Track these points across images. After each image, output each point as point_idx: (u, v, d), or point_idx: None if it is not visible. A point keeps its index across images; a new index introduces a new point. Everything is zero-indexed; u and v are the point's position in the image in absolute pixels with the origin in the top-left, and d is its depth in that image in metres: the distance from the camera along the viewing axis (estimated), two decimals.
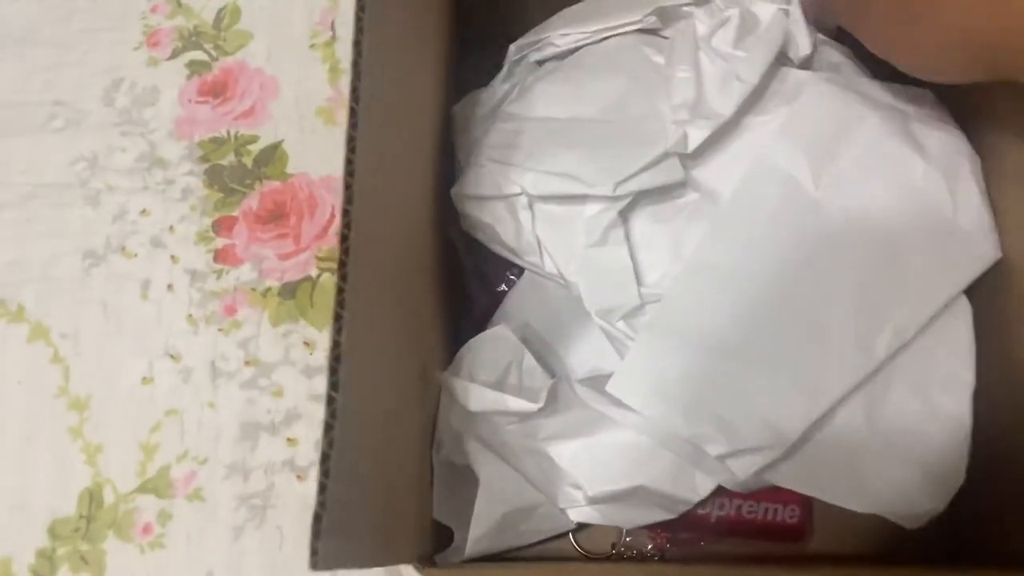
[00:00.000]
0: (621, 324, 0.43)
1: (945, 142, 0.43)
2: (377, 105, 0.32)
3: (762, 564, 0.45)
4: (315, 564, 0.26)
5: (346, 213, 0.29)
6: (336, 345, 0.28)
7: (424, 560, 0.38)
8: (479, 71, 0.52)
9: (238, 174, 0.56)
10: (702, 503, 0.47)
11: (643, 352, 0.41)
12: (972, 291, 0.42)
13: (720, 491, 0.47)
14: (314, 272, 0.54)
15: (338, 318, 0.29)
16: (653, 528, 0.47)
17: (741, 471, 0.40)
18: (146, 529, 0.50)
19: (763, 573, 0.40)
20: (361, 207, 0.30)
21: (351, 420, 0.29)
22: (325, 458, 0.27)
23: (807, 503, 0.47)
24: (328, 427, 0.28)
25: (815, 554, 0.47)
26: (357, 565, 0.29)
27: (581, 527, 0.47)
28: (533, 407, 0.41)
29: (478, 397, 0.42)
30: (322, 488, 0.27)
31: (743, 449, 0.40)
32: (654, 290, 0.43)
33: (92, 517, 0.50)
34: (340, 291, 0.29)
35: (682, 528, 0.47)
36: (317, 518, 0.26)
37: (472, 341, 0.45)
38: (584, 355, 0.47)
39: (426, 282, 0.43)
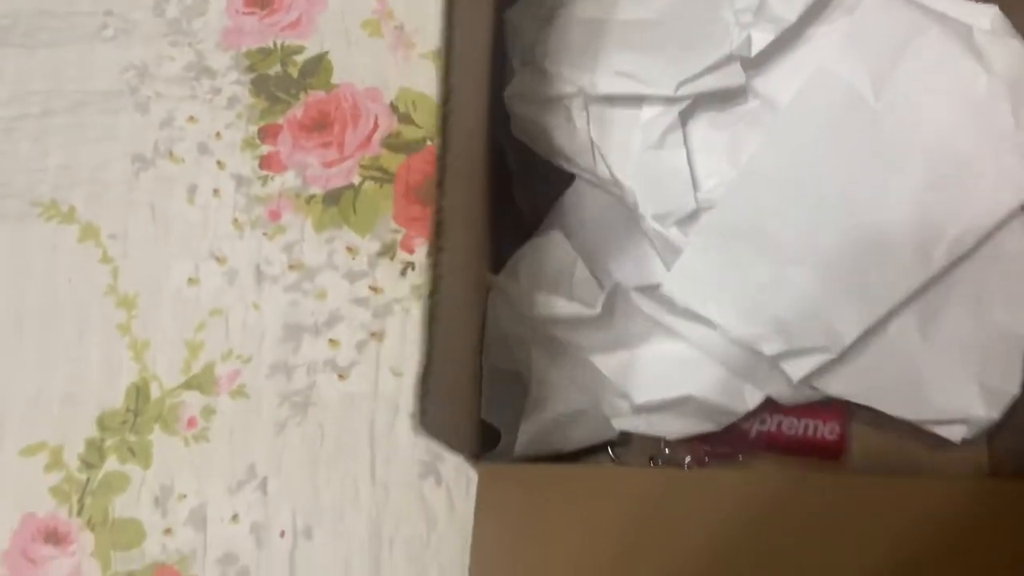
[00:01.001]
0: (674, 230, 0.41)
1: (1010, 55, 0.41)
2: None
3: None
4: (420, 426, 0.25)
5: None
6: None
7: (476, 456, 0.37)
8: None
9: (284, 84, 0.55)
10: (744, 418, 0.46)
11: (699, 253, 0.40)
12: None
13: (761, 406, 0.46)
14: (357, 180, 0.53)
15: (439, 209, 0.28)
16: (691, 441, 0.46)
17: (795, 372, 0.39)
18: (191, 423, 0.49)
19: (802, 477, 0.39)
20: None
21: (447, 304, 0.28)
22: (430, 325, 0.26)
23: (846, 421, 0.46)
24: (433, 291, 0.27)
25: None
26: (446, 441, 0.28)
27: (619, 441, 0.47)
28: (591, 313, 0.40)
29: (536, 301, 0.41)
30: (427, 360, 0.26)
31: (799, 349, 0.39)
32: (710, 196, 0.41)
33: (139, 411, 0.50)
34: (440, 183, 0.28)
35: (721, 442, 0.46)
36: (424, 380, 0.25)
37: (526, 246, 0.44)
38: (633, 266, 0.45)
39: (476, 188, 0.42)
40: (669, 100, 0.40)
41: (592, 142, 0.42)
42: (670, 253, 0.42)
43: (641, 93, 0.40)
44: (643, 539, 0.34)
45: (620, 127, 0.41)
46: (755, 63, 0.41)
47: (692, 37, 0.41)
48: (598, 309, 0.40)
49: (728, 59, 0.40)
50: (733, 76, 0.40)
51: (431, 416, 0.26)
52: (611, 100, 0.42)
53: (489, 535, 0.34)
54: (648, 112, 0.41)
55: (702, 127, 0.42)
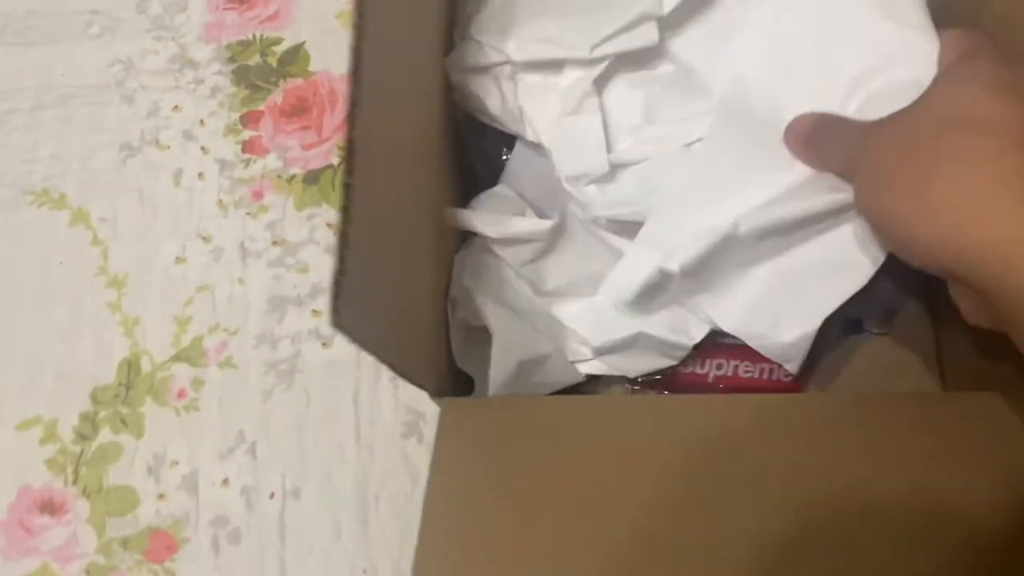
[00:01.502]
0: (592, 189, 0.43)
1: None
2: None
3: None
4: (336, 322, 0.26)
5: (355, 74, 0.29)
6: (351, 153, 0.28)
7: (441, 392, 0.38)
8: None
9: (263, 73, 0.57)
10: (700, 363, 0.47)
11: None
12: None
13: (717, 352, 0.48)
14: (335, 160, 0.54)
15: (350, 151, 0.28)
16: (656, 388, 0.48)
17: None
18: (181, 394, 0.50)
19: (765, 401, 0.40)
20: (371, 67, 0.30)
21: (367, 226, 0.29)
22: (344, 234, 0.27)
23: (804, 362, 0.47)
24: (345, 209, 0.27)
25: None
26: (374, 350, 0.30)
27: (587, 389, 0.48)
28: (544, 225, 0.41)
29: (489, 222, 0.42)
30: (342, 259, 0.26)
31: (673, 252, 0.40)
32: (624, 156, 0.43)
33: (131, 384, 0.51)
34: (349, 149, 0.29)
35: (682, 389, 0.47)
36: (337, 282, 0.26)
37: (475, 199, 0.45)
38: None
39: (434, 153, 0.44)
40: (586, 63, 0.42)
41: (520, 109, 0.44)
42: (588, 212, 0.44)
43: (559, 57, 0.42)
44: (602, 463, 0.35)
45: (542, 93, 0.43)
46: (671, 25, 0.43)
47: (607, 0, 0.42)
48: (555, 219, 0.42)
49: (641, 19, 0.41)
50: (647, 35, 0.42)
51: (348, 319, 0.26)
52: (534, 66, 0.43)
53: (447, 463, 0.35)
54: (567, 78, 0.43)
55: (620, 87, 0.44)
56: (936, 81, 0.36)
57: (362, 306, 0.28)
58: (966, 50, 0.37)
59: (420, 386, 0.37)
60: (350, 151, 0.28)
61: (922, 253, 0.32)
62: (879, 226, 0.36)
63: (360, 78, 0.29)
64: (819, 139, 0.39)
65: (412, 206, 0.39)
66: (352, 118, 0.29)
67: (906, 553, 0.32)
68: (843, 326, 0.48)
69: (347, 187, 0.28)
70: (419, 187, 0.40)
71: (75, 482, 0.49)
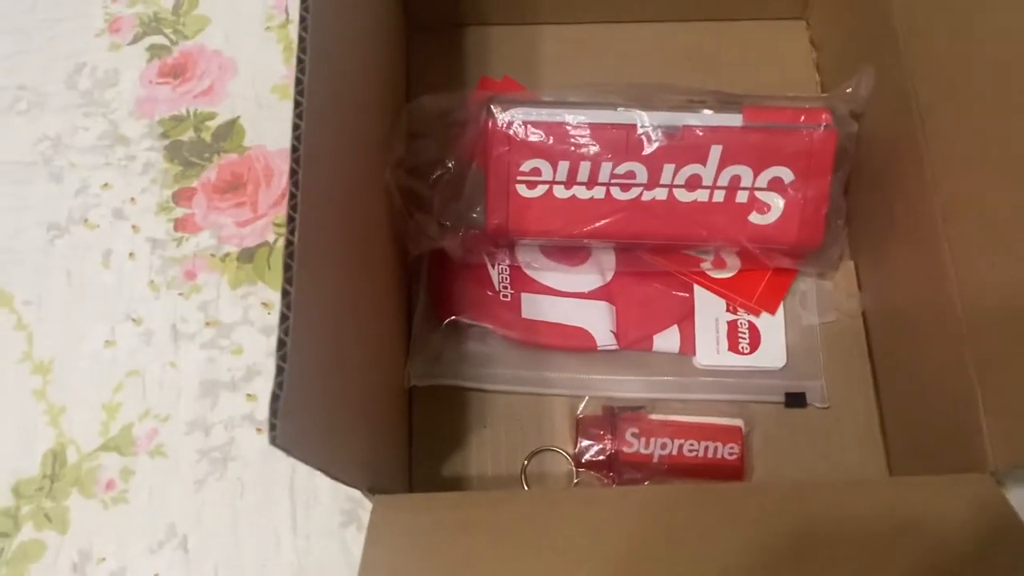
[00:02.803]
0: None
1: None
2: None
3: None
4: (274, 440, 0.24)
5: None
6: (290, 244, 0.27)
7: (374, 489, 0.36)
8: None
9: (197, 148, 0.54)
10: (645, 443, 0.46)
11: None
12: None
13: (662, 431, 0.46)
14: (271, 237, 0.52)
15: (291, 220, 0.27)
16: (600, 470, 0.46)
17: None
18: (109, 485, 0.47)
19: (704, 488, 0.38)
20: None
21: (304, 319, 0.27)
22: (281, 344, 0.25)
23: (746, 441, 0.46)
24: (284, 317, 0.26)
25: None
26: (309, 460, 0.27)
27: (532, 470, 0.46)
28: None
29: None
30: (280, 370, 0.25)
31: None
32: None
33: (56, 476, 0.47)
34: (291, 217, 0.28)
35: (628, 470, 0.46)
36: (275, 397, 0.24)
37: None
38: None
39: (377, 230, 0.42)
40: None
41: None
42: None
43: None
44: (537, 560, 0.33)
45: None
46: None
47: None
48: None
49: None
50: None
51: (286, 433, 0.25)
52: None
53: (376, 560, 0.33)
54: None
55: None
56: None
57: (303, 412, 0.26)
58: None
59: (351, 485, 0.34)
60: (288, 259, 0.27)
61: None
62: None
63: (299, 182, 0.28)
64: None
65: (363, 294, 0.38)
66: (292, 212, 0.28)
67: None
68: (787, 400, 0.47)
69: (285, 294, 0.27)
70: (370, 270, 0.39)
71: None
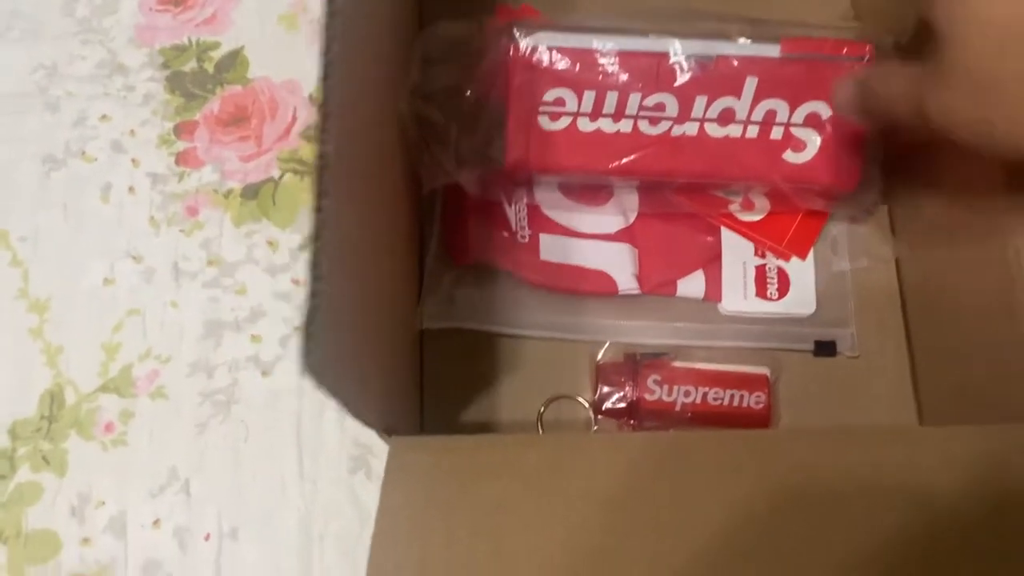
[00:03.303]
0: None
1: None
2: None
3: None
4: (305, 367, 0.22)
5: None
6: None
7: (390, 429, 0.34)
8: None
9: (199, 80, 0.51)
10: (668, 391, 0.44)
11: None
12: None
13: (686, 378, 0.44)
14: (276, 173, 0.49)
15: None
16: (620, 417, 0.44)
17: None
18: (108, 427, 0.45)
19: (728, 436, 0.36)
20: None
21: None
22: (315, 265, 0.23)
23: (772, 390, 0.44)
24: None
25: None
26: (336, 392, 0.25)
27: (548, 417, 0.44)
28: None
29: None
30: (313, 295, 0.23)
31: None
32: None
33: (53, 417, 0.45)
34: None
35: (648, 417, 0.44)
36: (309, 321, 0.22)
37: None
38: None
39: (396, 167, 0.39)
40: None
41: None
42: None
43: None
44: (557, 505, 0.31)
45: None
46: None
47: None
48: None
49: None
50: None
51: (317, 359, 0.23)
52: None
53: (394, 504, 0.31)
54: None
55: None
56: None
57: (330, 346, 0.24)
58: None
59: (369, 425, 0.32)
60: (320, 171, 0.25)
61: None
62: (992, 123, 0.31)
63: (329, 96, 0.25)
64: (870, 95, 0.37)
65: (380, 229, 0.35)
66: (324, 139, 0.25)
67: None
68: (816, 348, 0.44)
69: (319, 211, 0.24)
70: (385, 205, 0.36)
71: None
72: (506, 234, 0.46)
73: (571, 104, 0.41)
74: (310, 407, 0.45)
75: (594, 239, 0.46)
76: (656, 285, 0.45)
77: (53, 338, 0.47)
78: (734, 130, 0.42)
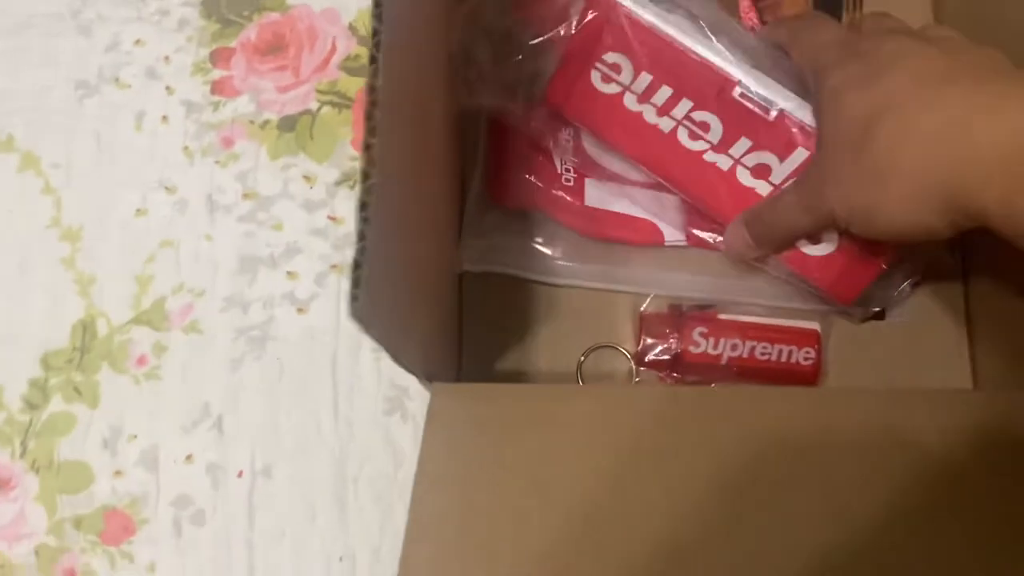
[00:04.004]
0: None
1: None
2: None
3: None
4: (354, 312, 0.21)
5: None
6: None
7: (431, 376, 0.33)
8: None
9: (236, 5, 0.49)
10: (714, 344, 0.42)
11: None
12: None
13: (732, 331, 0.42)
14: (314, 105, 0.47)
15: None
16: (663, 370, 0.42)
17: None
18: (141, 360, 0.44)
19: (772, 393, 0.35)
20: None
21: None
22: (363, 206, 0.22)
23: (822, 345, 0.42)
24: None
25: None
26: (381, 337, 0.24)
27: (587, 366, 0.43)
28: None
29: None
30: (362, 236, 0.21)
31: None
32: None
33: (86, 348, 0.45)
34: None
35: (692, 370, 0.42)
36: (357, 265, 0.21)
37: None
38: None
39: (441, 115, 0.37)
40: None
41: None
42: None
43: None
44: (599, 455, 0.30)
45: None
46: None
47: None
48: None
49: None
50: None
51: (364, 306, 0.21)
52: None
53: (437, 451, 0.30)
54: None
55: None
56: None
57: (376, 292, 0.23)
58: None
59: (411, 371, 0.31)
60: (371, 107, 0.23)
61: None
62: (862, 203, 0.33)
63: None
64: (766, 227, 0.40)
65: (425, 168, 0.33)
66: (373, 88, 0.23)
67: None
68: (863, 313, 0.43)
69: (368, 147, 0.23)
70: (430, 143, 0.34)
71: (23, 455, 0.43)
72: (550, 177, 0.44)
73: (626, 76, 0.39)
74: (346, 346, 0.44)
75: (642, 187, 0.44)
76: (704, 238, 0.44)
77: (85, 268, 0.46)
78: (763, 187, 0.40)
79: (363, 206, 0.22)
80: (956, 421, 0.31)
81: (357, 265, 0.22)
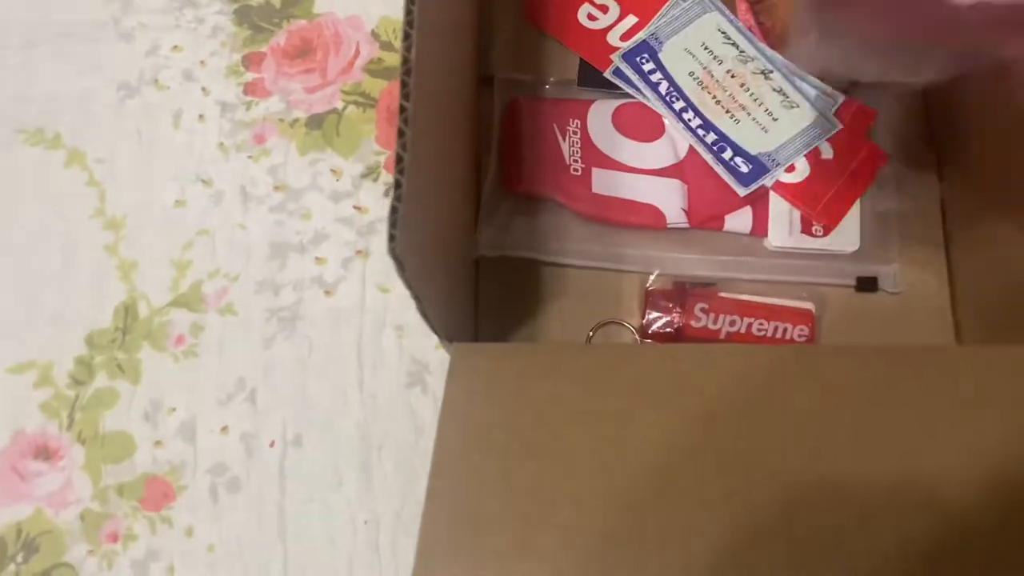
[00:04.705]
0: None
1: None
2: None
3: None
4: (392, 250, 0.24)
5: None
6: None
7: (451, 337, 0.35)
8: None
9: (266, 13, 0.53)
10: (713, 319, 0.45)
11: None
12: None
13: (731, 308, 0.45)
14: (340, 105, 0.51)
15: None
16: (666, 342, 0.45)
17: None
18: (179, 340, 0.47)
19: (776, 352, 0.37)
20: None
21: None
22: (399, 159, 0.25)
23: (815, 323, 0.45)
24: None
25: None
26: (414, 284, 0.27)
27: (593, 341, 0.45)
28: None
29: None
30: (397, 184, 0.24)
31: None
32: None
33: (127, 329, 0.48)
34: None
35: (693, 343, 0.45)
36: (394, 209, 0.24)
37: None
38: None
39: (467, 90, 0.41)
40: None
41: None
42: None
43: None
44: (615, 410, 0.32)
45: None
46: None
47: None
48: None
49: None
50: None
51: (402, 249, 0.24)
52: None
53: (457, 400, 0.32)
54: None
55: None
56: None
57: (410, 239, 0.26)
58: None
59: (434, 330, 0.34)
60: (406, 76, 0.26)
61: None
62: None
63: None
64: None
65: (454, 142, 0.37)
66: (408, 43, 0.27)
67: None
68: (858, 284, 0.46)
69: (403, 110, 0.26)
70: (453, 128, 0.38)
71: (70, 427, 0.46)
72: (560, 166, 0.47)
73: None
74: (371, 325, 0.47)
75: (645, 174, 0.47)
76: (704, 219, 0.47)
77: (127, 254, 0.49)
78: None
79: (399, 159, 0.25)
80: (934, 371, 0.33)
81: (394, 210, 0.24)
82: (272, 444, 0.45)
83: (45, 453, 0.46)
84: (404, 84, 0.27)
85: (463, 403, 0.32)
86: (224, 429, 0.46)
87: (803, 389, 0.33)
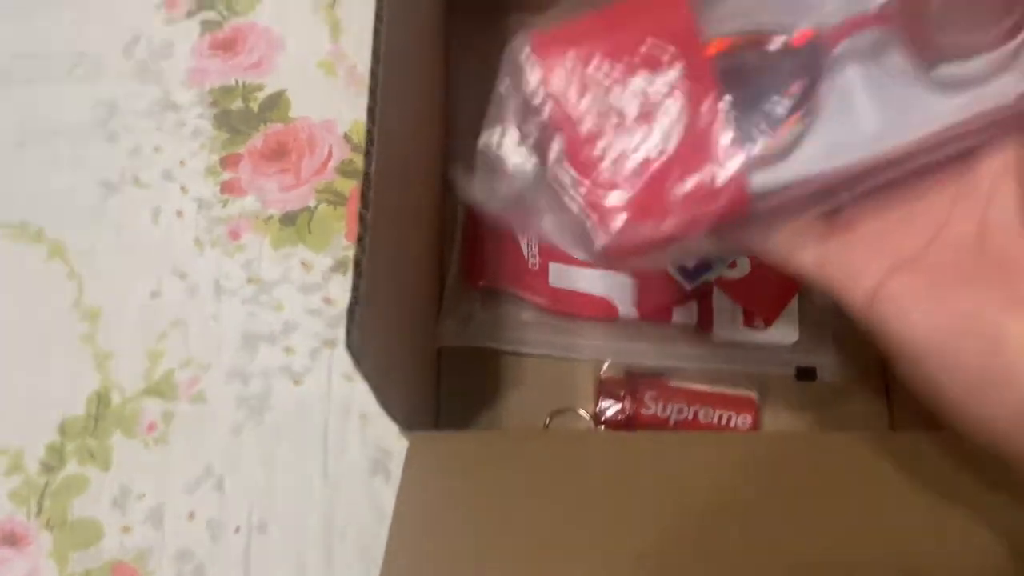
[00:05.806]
0: None
1: None
2: None
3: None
4: (350, 343, 0.26)
5: None
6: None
7: (410, 425, 0.37)
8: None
9: (244, 118, 0.56)
10: (662, 407, 0.47)
11: None
12: None
13: (679, 396, 0.47)
14: (312, 203, 0.53)
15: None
16: (618, 430, 0.47)
17: None
18: (150, 427, 0.49)
19: (721, 438, 0.40)
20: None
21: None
22: (358, 263, 0.27)
23: (758, 411, 0.47)
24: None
25: None
26: (371, 376, 0.29)
27: (550, 428, 0.47)
28: None
29: None
30: (355, 286, 0.27)
31: None
32: None
33: (100, 416, 0.49)
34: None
35: (644, 431, 0.47)
36: (352, 308, 0.26)
37: None
38: None
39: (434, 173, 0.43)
40: None
41: None
42: None
43: None
44: (570, 498, 0.34)
45: None
46: None
47: None
48: None
49: None
50: None
51: (359, 344, 0.26)
52: None
53: (412, 497, 0.34)
54: None
55: None
56: None
57: (368, 334, 0.28)
58: None
59: (392, 417, 0.36)
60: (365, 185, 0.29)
61: None
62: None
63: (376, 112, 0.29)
64: None
65: (410, 249, 0.39)
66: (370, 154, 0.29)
67: None
68: (798, 373, 0.48)
69: (362, 219, 0.28)
70: (415, 227, 0.40)
71: (39, 514, 0.47)
72: (519, 261, 0.50)
73: None
74: (336, 414, 0.48)
75: (598, 268, 0.50)
76: (653, 312, 0.49)
77: (103, 345, 0.50)
78: None
79: (357, 263, 0.28)
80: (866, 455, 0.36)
81: (352, 309, 0.27)
82: (237, 530, 0.46)
83: (12, 539, 0.46)
84: (364, 195, 0.30)
85: (418, 491, 0.34)
86: (191, 515, 0.47)
87: (747, 477, 0.35)
